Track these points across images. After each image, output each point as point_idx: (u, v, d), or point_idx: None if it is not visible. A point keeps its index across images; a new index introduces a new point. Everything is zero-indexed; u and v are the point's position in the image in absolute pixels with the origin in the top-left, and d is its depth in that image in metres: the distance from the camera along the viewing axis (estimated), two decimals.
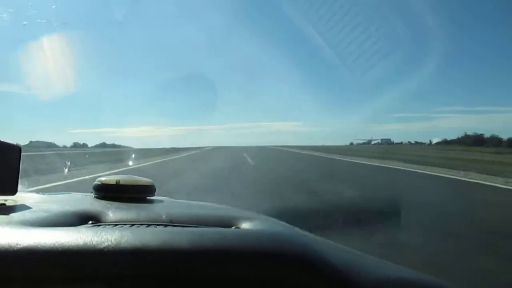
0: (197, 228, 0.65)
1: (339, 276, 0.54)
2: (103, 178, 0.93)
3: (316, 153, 34.40)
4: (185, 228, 0.65)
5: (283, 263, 0.53)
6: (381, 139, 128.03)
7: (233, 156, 27.82)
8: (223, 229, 0.67)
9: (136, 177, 0.95)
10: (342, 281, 0.53)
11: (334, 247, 0.68)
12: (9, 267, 0.49)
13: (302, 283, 0.52)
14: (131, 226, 0.67)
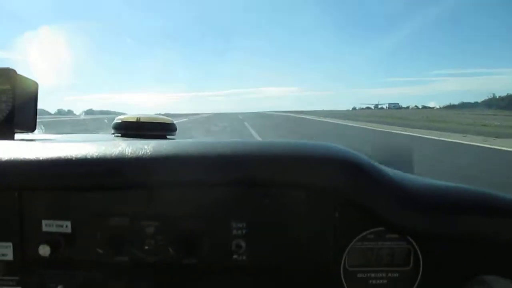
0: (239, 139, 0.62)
1: (392, 181, 0.54)
2: (122, 117, 0.90)
3: (353, 123, 24.86)
4: (226, 140, 0.60)
5: (332, 166, 0.53)
6: (389, 103, 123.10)
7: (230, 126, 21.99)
8: (263, 140, 0.65)
9: (157, 115, 0.93)
10: (395, 186, 0.54)
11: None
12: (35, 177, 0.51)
13: (354, 187, 0.52)
14: (148, 140, 0.62)
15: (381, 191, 0.53)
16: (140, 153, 0.51)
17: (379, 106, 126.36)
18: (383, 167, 0.57)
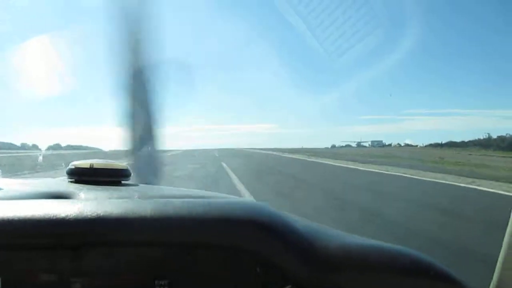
0: (164, 199, 0.65)
1: (303, 241, 0.59)
2: (76, 162, 0.90)
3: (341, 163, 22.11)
4: (153, 200, 0.64)
5: (248, 228, 0.58)
6: (372, 141, 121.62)
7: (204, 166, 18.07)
8: (189, 199, 0.67)
9: (110, 161, 0.93)
10: (306, 245, 0.59)
11: (301, 219, 0.69)
12: None
13: (267, 247, 0.57)
14: (104, 200, 0.66)
15: (293, 251, 0.58)
16: (71, 215, 0.55)
17: (362, 144, 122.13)
18: (299, 226, 0.62)
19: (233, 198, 0.80)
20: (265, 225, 0.58)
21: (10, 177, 1.06)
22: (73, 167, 0.90)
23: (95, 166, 0.88)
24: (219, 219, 0.58)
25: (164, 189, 1.00)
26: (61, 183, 0.90)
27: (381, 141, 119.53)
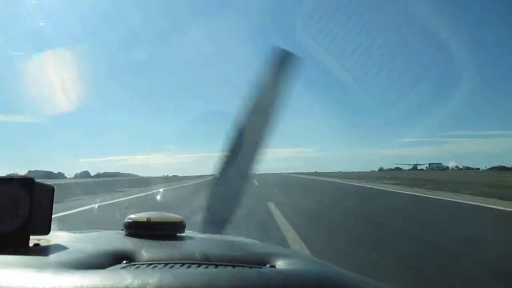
0: (236, 268, 0.66)
1: None
2: (133, 216, 0.93)
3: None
4: (224, 269, 0.66)
5: None
6: (430, 163, 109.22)
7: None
8: (263, 269, 0.67)
9: (166, 213, 0.96)
10: None
11: (375, 286, 0.67)
12: None
13: None
14: (165, 266, 0.67)
15: None
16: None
17: (419, 167, 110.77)
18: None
19: (300, 260, 0.72)
20: None
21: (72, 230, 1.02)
22: (130, 220, 0.92)
23: (152, 220, 0.90)
24: None
25: (219, 240, 1.04)
26: (119, 238, 0.91)
27: (440, 163, 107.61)
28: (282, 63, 1.25)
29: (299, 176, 52.53)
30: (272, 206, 9.81)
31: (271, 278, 0.56)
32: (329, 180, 33.26)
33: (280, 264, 0.71)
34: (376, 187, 19.54)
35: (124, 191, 17.73)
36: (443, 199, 11.49)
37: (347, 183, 25.95)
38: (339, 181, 29.49)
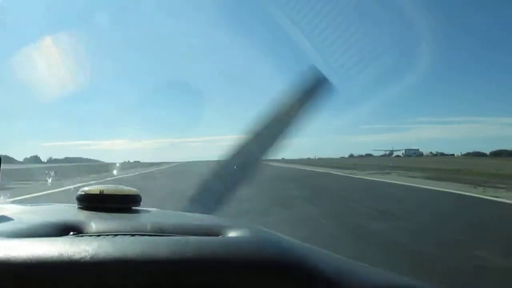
0: (179, 237, 0.63)
1: (328, 282, 0.54)
2: (86, 188, 0.89)
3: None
4: (167, 237, 0.63)
5: (266, 270, 0.53)
6: (406, 150, 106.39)
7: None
8: (206, 237, 0.64)
9: (121, 186, 0.92)
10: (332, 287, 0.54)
11: (323, 254, 0.67)
12: None
13: None
14: (114, 237, 0.65)
15: None
16: (85, 258, 0.51)
17: (395, 154, 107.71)
18: (320, 262, 0.58)
19: (250, 230, 0.70)
20: (280, 264, 0.54)
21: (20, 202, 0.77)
22: (83, 193, 0.88)
23: (105, 192, 0.86)
24: (232, 259, 0.53)
25: (175, 214, 1.01)
26: (71, 210, 0.90)
27: (417, 149, 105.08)
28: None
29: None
30: None
31: (211, 245, 0.56)
32: (323, 171, 27.10)
33: (230, 234, 0.68)
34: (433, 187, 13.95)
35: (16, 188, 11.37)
36: None
37: (361, 178, 18.83)
38: (341, 174, 23.10)
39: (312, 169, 29.15)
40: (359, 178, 18.62)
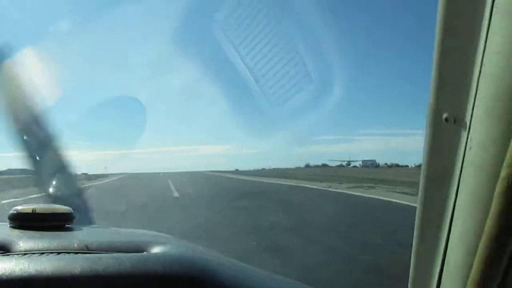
0: (98, 255, 0.65)
1: None
2: (19, 207, 0.88)
3: None
4: (86, 255, 0.66)
5: (169, 286, 0.58)
6: (363, 160, 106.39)
7: None
8: (122, 254, 0.66)
9: (54, 205, 0.94)
10: None
11: (229, 265, 0.74)
12: None
13: None
14: (40, 255, 0.66)
15: None
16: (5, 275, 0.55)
17: (352, 164, 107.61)
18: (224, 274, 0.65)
19: (173, 245, 0.75)
20: (186, 278, 0.59)
21: None
22: (15, 212, 0.87)
23: (37, 211, 0.86)
24: (153, 278, 0.58)
25: (107, 231, 1.06)
26: (2, 229, 0.87)
27: (374, 160, 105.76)
28: None
29: (222, 175, 44.43)
30: None
31: (121, 263, 0.59)
32: (293, 184, 23.79)
33: (153, 250, 0.71)
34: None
35: None
36: None
37: (360, 194, 14.46)
38: (321, 188, 19.42)
39: (277, 182, 25.39)
40: (355, 195, 14.76)
